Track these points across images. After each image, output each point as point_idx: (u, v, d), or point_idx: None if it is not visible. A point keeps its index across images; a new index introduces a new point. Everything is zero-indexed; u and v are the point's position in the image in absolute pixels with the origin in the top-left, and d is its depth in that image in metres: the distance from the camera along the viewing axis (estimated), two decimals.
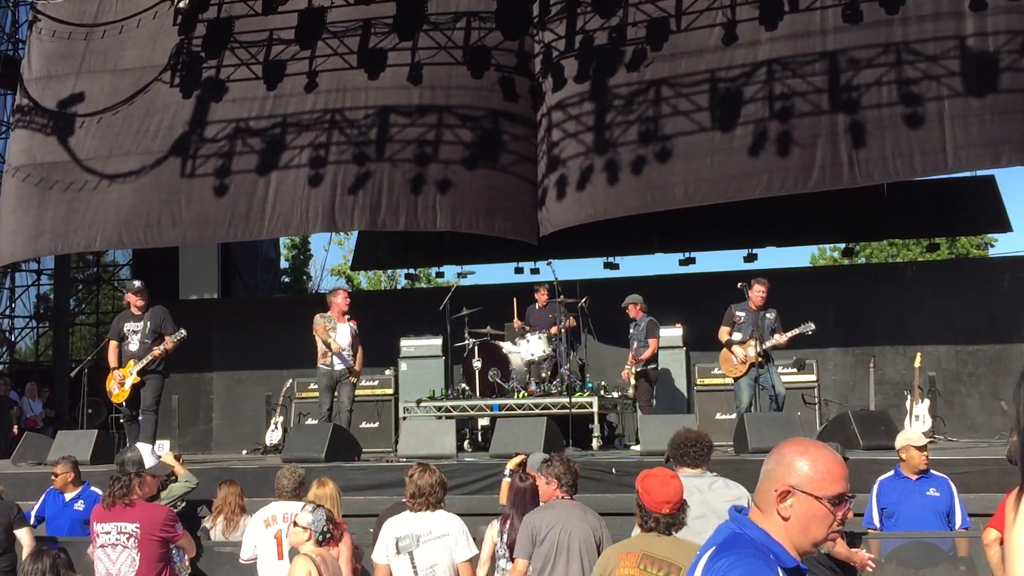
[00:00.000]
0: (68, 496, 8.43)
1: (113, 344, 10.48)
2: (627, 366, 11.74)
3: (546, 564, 5.40)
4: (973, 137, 10.82)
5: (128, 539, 5.45)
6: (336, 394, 10.88)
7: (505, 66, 12.69)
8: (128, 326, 10.43)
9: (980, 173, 16.21)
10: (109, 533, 5.52)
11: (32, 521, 8.49)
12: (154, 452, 6.20)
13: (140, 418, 10.35)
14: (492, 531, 6.26)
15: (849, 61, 11.15)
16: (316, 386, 11.59)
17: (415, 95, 12.57)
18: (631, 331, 11.86)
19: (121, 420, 10.70)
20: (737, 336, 10.63)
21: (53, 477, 8.45)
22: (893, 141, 10.97)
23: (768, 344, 10.43)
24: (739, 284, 11.10)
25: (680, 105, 11.67)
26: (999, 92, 10.71)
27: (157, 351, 10.23)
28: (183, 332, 10.37)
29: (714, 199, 11.86)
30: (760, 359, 10.36)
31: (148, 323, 10.37)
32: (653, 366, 11.74)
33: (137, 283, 10.71)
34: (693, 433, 5.35)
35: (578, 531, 5.45)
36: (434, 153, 12.50)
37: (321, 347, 10.84)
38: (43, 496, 8.64)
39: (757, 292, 10.56)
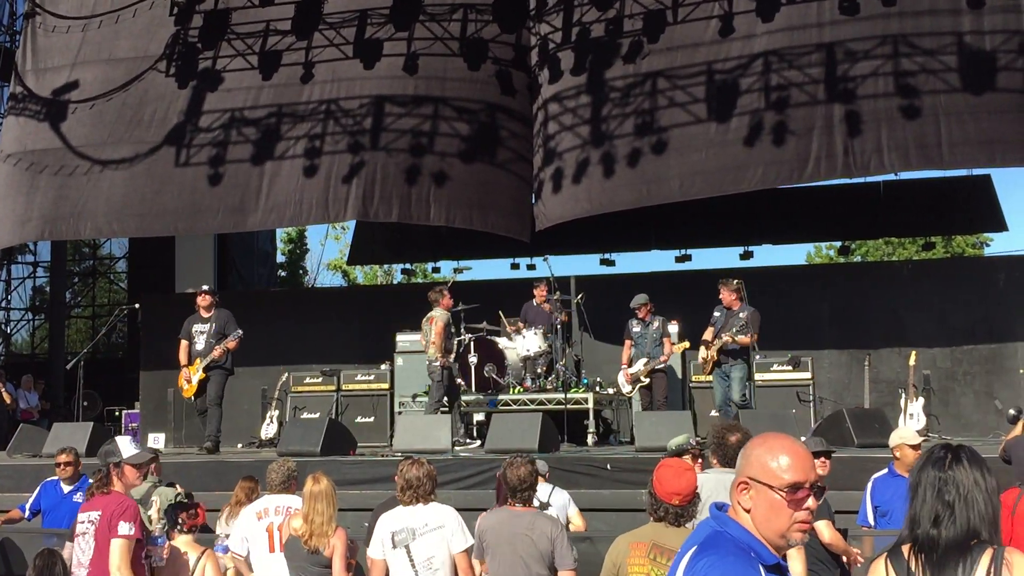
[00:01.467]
0: (66, 488, 8.41)
1: (184, 344, 11.34)
2: (628, 368, 11.65)
3: (492, 569, 5.47)
4: (969, 135, 10.83)
5: (90, 526, 5.44)
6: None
7: (502, 59, 12.68)
8: (196, 327, 11.30)
9: (976, 172, 16.26)
10: (83, 523, 5.52)
11: (27, 515, 8.49)
12: (133, 442, 6.17)
13: (208, 411, 11.33)
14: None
15: (846, 52, 11.15)
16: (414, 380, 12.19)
17: (410, 85, 12.56)
18: (636, 330, 11.70)
19: (197, 412, 11.69)
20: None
21: (61, 467, 8.40)
22: (889, 133, 10.98)
23: (722, 340, 10.75)
24: (735, 282, 11.12)
25: (676, 97, 11.64)
26: (996, 91, 10.72)
27: (218, 350, 11.05)
28: (239, 331, 11.15)
29: (709, 192, 11.87)
30: (717, 355, 10.88)
31: (213, 324, 11.21)
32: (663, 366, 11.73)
33: (206, 287, 11.51)
34: (733, 436, 5.25)
35: (521, 541, 5.41)
36: (429, 145, 12.48)
37: (439, 346, 11.15)
38: (38, 489, 8.61)
39: (722, 295, 11.05)
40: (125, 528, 5.41)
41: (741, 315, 10.76)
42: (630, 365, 11.70)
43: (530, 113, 12.69)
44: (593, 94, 12.04)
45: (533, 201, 12.96)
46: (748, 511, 2.46)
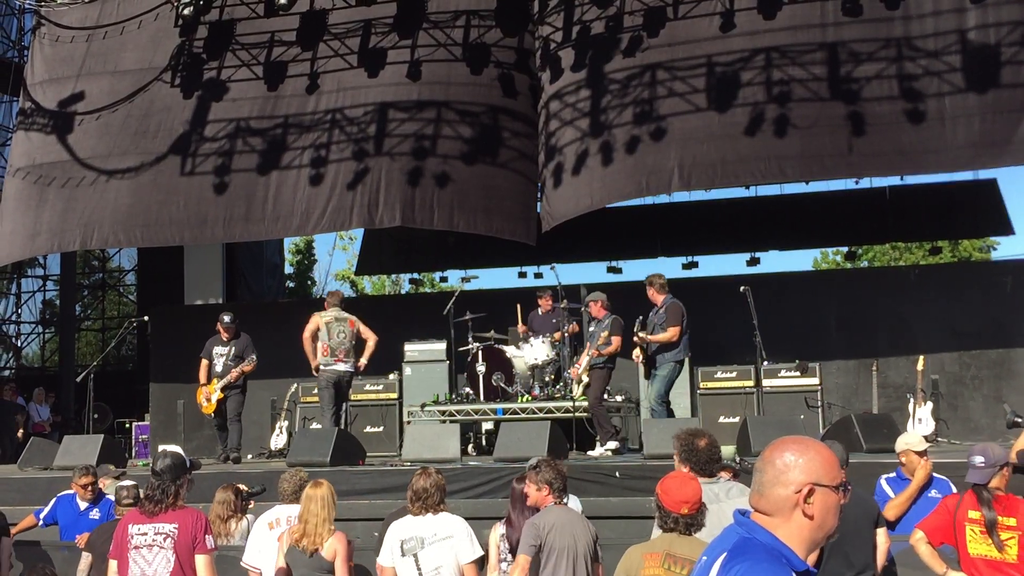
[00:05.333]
0: (83, 505, 8.45)
1: (204, 363, 11.86)
2: (578, 364, 11.16)
3: (556, 568, 5.45)
4: (974, 136, 10.79)
5: (165, 539, 5.47)
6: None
7: (504, 63, 12.71)
8: (217, 350, 11.83)
9: (982, 176, 16.27)
10: (146, 534, 5.52)
11: (41, 523, 8.54)
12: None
13: (228, 427, 11.79)
14: (495, 535, 6.28)
15: (849, 53, 11.09)
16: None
17: (414, 91, 12.58)
18: (590, 329, 11.24)
19: (216, 426, 12.09)
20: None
21: (86, 488, 8.40)
22: (894, 137, 10.94)
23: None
24: (742, 288, 11.11)
25: (676, 87, 11.54)
26: (1000, 87, 10.66)
27: (235, 372, 11.61)
28: (254, 357, 11.76)
29: (709, 184, 11.84)
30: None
31: (233, 348, 11.79)
32: (611, 366, 11.06)
33: (227, 317, 11.94)
34: (701, 441, 5.26)
35: (582, 536, 5.52)
36: (432, 147, 12.48)
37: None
38: (53, 500, 8.64)
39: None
40: (211, 542, 5.58)
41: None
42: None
43: (532, 113, 12.66)
44: (592, 88, 11.95)
45: (536, 205, 12.95)
46: (812, 517, 2.44)
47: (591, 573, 5.49)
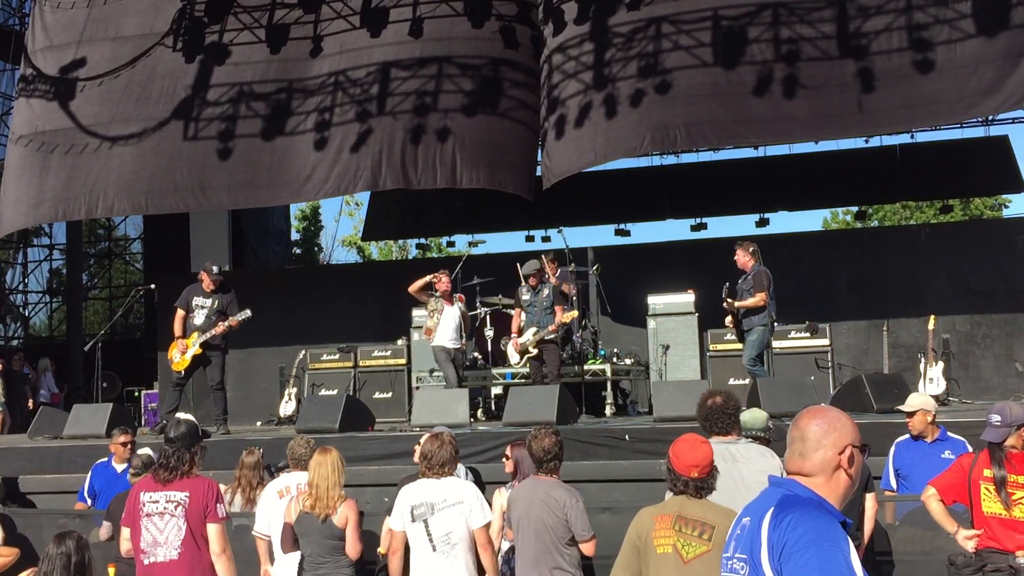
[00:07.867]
0: (119, 468, 8.48)
1: (180, 314, 10.96)
2: (518, 338, 11.19)
3: (515, 539, 5.69)
4: (985, 84, 10.61)
5: (176, 508, 5.45)
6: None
7: (506, 15, 12.51)
8: (197, 300, 10.96)
9: (993, 132, 16.12)
10: (157, 502, 5.49)
11: (88, 503, 8.56)
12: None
13: (212, 395, 11.13)
14: (500, 499, 6.28)
15: (858, 8, 10.89)
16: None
17: (416, 49, 12.40)
18: (525, 298, 11.24)
19: (174, 384, 11.14)
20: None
21: (126, 447, 8.51)
22: (903, 90, 10.76)
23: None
24: (751, 249, 11.04)
25: (681, 41, 11.31)
26: (1011, 29, 10.43)
27: (221, 327, 10.73)
28: (248, 312, 10.82)
29: (716, 143, 11.66)
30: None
31: (217, 302, 10.91)
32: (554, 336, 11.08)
33: (216, 268, 11.10)
34: (718, 400, 5.25)
35: (536, 509, 5.55)
36: (433, 103, 12.28)
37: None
38: (89, 473, 8.67)
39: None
40: (222, 511, 5.56)
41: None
42: (520, 335, 11.23)
43: (533, 64, 12.47)
44: (596, 41, 11.69)
45: (537, 159, 12.81)
46: (851, 475, 2.77)
47: (548, 543, 5.62)
